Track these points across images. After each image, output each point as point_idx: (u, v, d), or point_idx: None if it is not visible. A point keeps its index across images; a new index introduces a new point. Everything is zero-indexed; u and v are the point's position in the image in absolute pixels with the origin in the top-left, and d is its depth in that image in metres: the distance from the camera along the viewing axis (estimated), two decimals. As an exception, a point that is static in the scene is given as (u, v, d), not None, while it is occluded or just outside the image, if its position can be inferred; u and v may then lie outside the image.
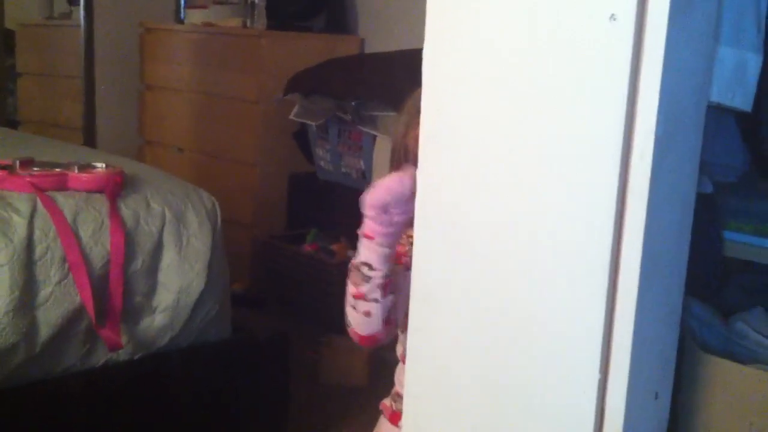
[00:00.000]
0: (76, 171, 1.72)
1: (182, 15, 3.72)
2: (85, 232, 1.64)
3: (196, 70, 3.48)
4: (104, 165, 1.80)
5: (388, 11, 3.36)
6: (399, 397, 1.35)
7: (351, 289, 1.24)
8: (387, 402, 1.40)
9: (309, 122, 2.94)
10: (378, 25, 3.44)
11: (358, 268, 1.23)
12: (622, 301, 0.85)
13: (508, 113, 0.91)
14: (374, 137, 2.71)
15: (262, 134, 3.24)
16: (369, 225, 1.21)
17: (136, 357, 1.74)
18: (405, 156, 1.30)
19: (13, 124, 4.06)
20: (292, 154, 3.20)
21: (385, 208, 1.19)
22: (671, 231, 0.91)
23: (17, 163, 1.71)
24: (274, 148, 3.25)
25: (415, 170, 1.01)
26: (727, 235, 1.33)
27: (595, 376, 0.87)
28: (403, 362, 1.34)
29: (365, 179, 2.77)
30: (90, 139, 3.30)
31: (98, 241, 1.65)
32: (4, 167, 1.70)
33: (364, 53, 3.46)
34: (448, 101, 0.96)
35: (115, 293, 1.64)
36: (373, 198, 1.19)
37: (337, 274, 2.85)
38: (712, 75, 1.01)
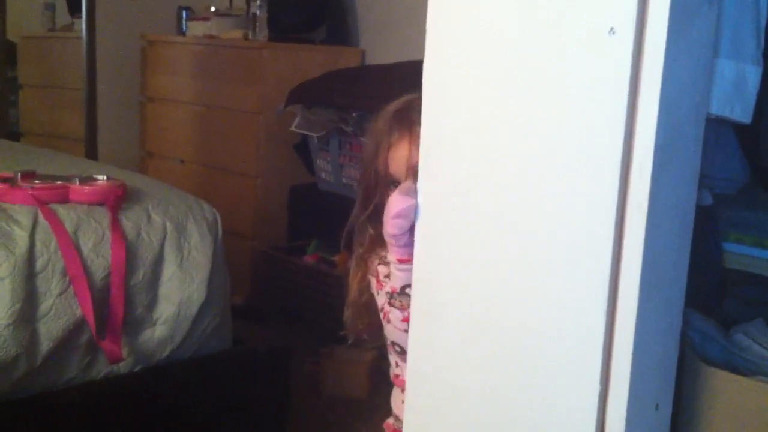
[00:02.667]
0: (78, 183, 1.72)
1: (184, 27, 3.72)
2: (86, 245, 1.64)
3: (198, 82, 3.49)
4: (105, 177, 1.80)
5: (388, 23, 3.38)
6: (398, 419, 1.34)
7: (398, 314, 1.21)
8: (390, 421, 1.40)
9: (310, 134, 2.94)
10: (379, 36, 3.45)
11: (402, 293, 1.20)
12: (623, 313, 0.85)
13: (506, 126, 0.91)
14: (375, 149, 2.71)
15: (264, 146, 3.24)
16: (400, 251, 1.17)
17: (136, 369, 1.73)
18: (376, 179, 1.27)
19: (14, 136, 4.07)
20: (293, 165, 3.20)
21: (412, 231, 1.13)
22: (671, 243, 0.91)
23: (19, 175, 1.71)
24: (275, 159, 3.25)
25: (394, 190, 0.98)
26: (728, 246, 1.33)
27: (596, 387, 0.87)
28: (398, 385, 1.33)
29: (366, 191, 2.77)
30: (91, 151, 3.30)
31: (99, 253, 1.65)
32: (5, 180, 1.71)
33: (365, 65, 3.47)
34: (446, 115, 0.97)
35: (116, 305, 1.64)
36: (395, 228, 1.14)
37: (338, 285, 2.85)
38: (712, 87, 1.01)
